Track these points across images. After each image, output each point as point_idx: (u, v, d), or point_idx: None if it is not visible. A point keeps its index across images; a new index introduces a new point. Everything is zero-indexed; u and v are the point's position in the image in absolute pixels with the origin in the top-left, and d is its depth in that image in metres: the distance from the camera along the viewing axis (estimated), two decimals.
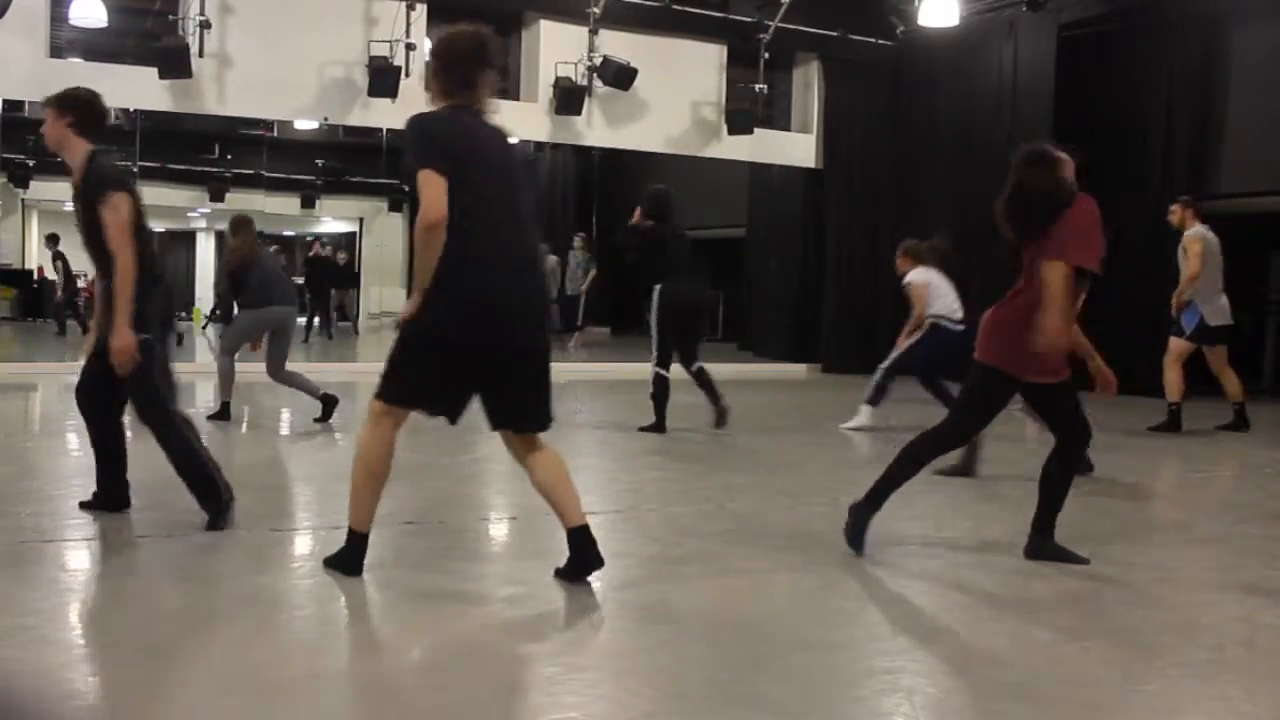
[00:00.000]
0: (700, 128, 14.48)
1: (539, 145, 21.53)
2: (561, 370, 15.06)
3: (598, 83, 13.54)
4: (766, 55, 14.38)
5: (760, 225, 17.43)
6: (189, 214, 27.03)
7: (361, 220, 25.00)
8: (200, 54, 11.76)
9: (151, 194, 24.02)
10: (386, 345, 4.10)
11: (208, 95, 12.13)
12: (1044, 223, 4.39)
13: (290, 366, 8.44)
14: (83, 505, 5.02)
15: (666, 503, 5.81)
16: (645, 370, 8.53)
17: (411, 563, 4.40)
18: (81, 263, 27.03)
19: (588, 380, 12.78)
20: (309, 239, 25.48)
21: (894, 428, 8.28)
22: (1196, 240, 9.06)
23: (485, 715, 2.97)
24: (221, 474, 4.81)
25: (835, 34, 14.67)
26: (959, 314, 8.19)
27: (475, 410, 4.12)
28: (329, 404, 8.17)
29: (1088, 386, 4.78)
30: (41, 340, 17.56)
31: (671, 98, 14.15)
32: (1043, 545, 4.68)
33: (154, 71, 11.61)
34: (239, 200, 21.38)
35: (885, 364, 8.51)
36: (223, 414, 8.22)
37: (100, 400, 4.90)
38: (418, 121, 3.96)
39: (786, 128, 15.44)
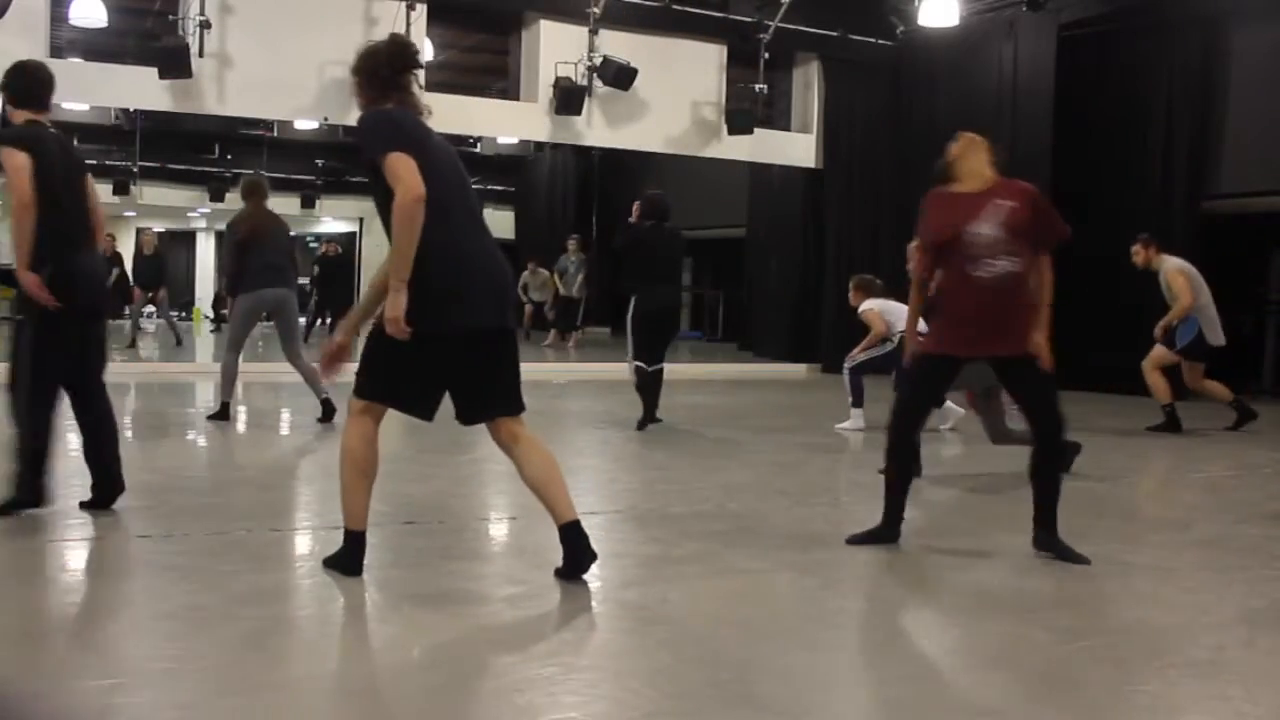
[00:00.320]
0: (700, 128, 14.48)
1: (539, 145, 21.59)
2: (562, 370, 15.10)
3: (598, 83, 13.54)
4: (766, 55, 14.38)
5: (760, 225, 17.44)
6: (189, 214, 27.05)
7: (361, 220, 25.01)
8: (200, 54, 11.75)
9: (151, 194, 24.15)
10: None
11: (208, 95, 12.13)
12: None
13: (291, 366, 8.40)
14: (83, 505, 5.02)
15: (666, 503, 5.81)
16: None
17: (411, 563, 4.40)
18: None
19: (588, 380, 12.78)
20: (309, 239, 25.50)
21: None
22: (1179, 273, 9.07)
23: (485, 715, 2.97)
24: (48, 481, 4.84)
25: (835, 34, 14.67)
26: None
27: None
28: (328, 409, 8.11)
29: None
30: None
31: (671, 98, 14.16)
32: (1047, 539, 4.71)
33: (154, 71, 11.61)
34: (239, 200, 21.41)
35: (848, 364, 8.81)
36: (222, 414, 8.19)
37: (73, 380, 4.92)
38: (372, 113, 3.98)
39: (786, 128, 15.45)
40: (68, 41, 12.70)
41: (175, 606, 3.70)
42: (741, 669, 3.29)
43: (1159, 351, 9.24)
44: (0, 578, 4.00)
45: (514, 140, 21.08)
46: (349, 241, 24.73)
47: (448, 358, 3.93)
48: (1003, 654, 3.52)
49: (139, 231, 18.39)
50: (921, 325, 5.05)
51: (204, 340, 19.27)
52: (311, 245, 24.23)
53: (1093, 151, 13.03)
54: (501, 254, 4.09)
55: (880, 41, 14.87)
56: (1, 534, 4.59)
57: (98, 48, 13.61)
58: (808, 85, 15.41)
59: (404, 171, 3.75)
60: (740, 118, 14.23)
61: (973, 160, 4.80)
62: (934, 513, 5.87)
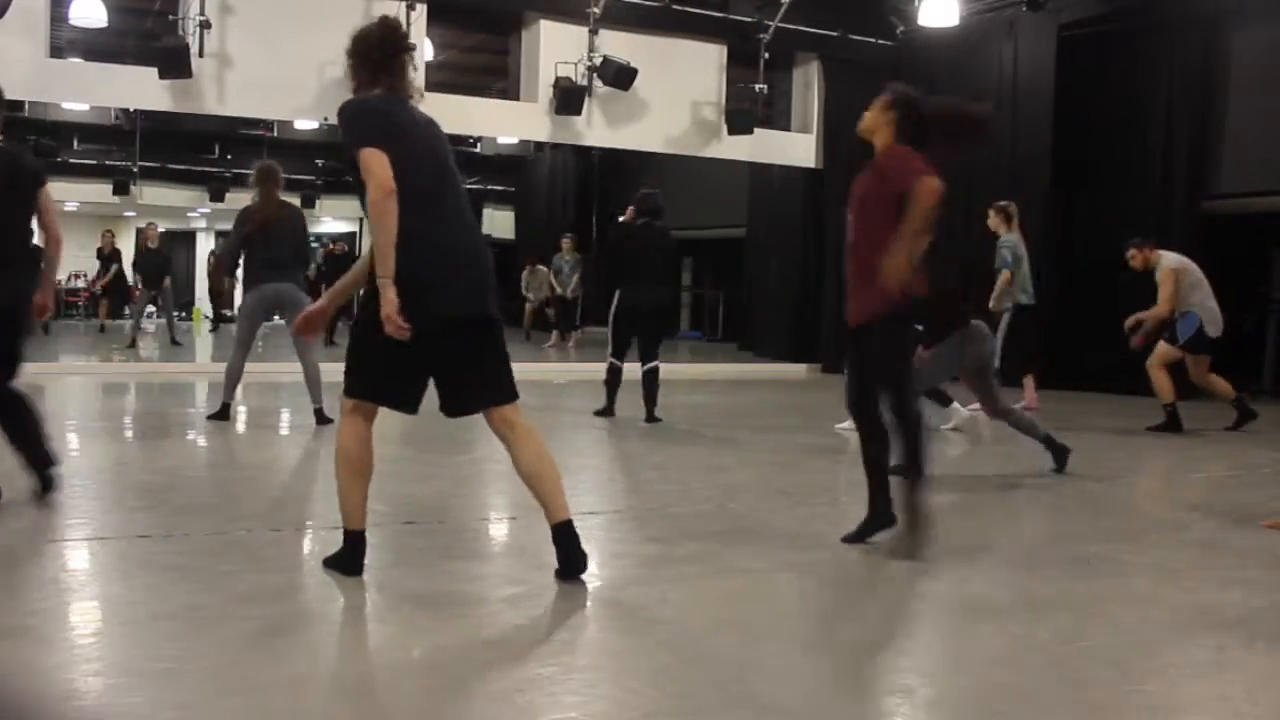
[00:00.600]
0: (700, 128, 14.48)
1: (539, 145, 21.59)
2: (562, 371, 15.10)
3: (598, 83, 13.55)
4: (766, 55, 14.38)
5: (760, 225, 17.44)
6: (189, 214, 27.07)
7: (361, 220, 25.00)
8: (200, 54, 11.76)
9: (151, 194, 24.15)
10: None
11: (208, 95, 12.13)
12: None
13: (291, 366, 8.36)
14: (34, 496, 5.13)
15: (666, 503, 5.81)
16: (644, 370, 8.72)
17: (411, 563, 4.40)
18: (80, 263, 27.07)
19: (589, 380, 12.78)
20: (310, 239, 25.52)
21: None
22: (1169, 276, 9.05)
23: (485, 715, 2.97)
24: None
25: (835, 34, 14.67)
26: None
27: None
28: (320, 419, 7.99)
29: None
30: (41, 340, 17.54)
31: (671, 98, 14.16)
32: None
33: (154, 71, 11.61)
34: (239, 200, 21.39)
35: None
36: (222, 414, 8.17)
37: None
38: (351, 104, 3.96)
39: (786, 128, 15.45)
40: (68, 41, 12.70)
41: (175, 606, 3.70)
42: (741, 669, 3.29)
43: (1163, 348, 9.23)
44: (0, 577, 4.00)
45: (514, 140, 21.09)
46: (350, 241, 24.75)
47: (428, 347, 3.90)
48: (1003, 654, 3.52)
49: (142, 228, 18.37)
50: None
51: (204, 340, 19.26)
52: (313, 246, 24.24)
53: (1093, 151, 13.04)
54: (484, 242, 4.07)
55: (880, 41, 14.87)
56: (2, 534, 4.59)
57: (98, 48, 13.61)
58: (808, 85, 15.41)
59: (375, 166, 3.76)
60: (740, 118, 14.23)
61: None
62: (934, 512, 5.87)
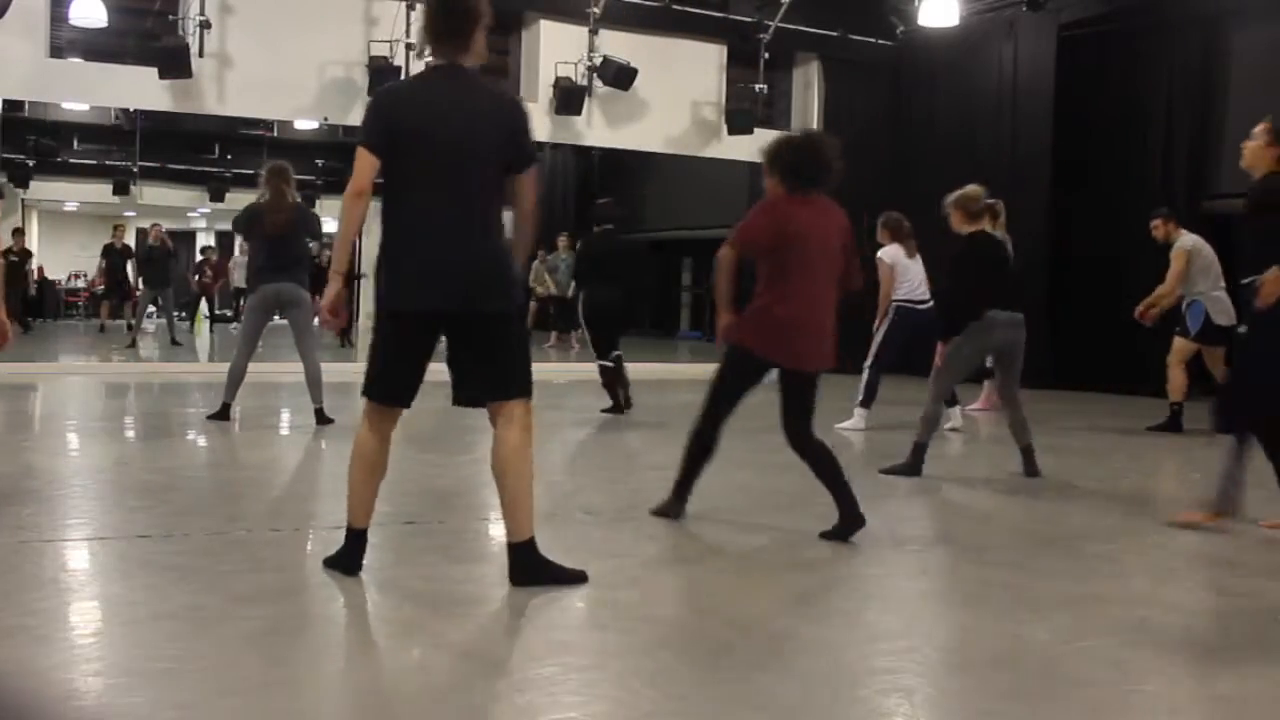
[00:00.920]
0: (700, 128, 14.48)
1: (539, 145, 21.57)
2: (563, 370, 15.09)
3: (598, 83, 13.55)
4: (766, 55, 14.39)
5: None
6: (189, 214, 27.06)
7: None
8: (200, 54, 11.76)
9: (151, 194, 24.14)
10: None
11: (208, 95, 12.13)
12: None
13: (291, 366, 8.35)
14: None
15: None
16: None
17: (411, 563, 4.40)
18: (80, 263, 27.01)
19: (590, 380, 12.76)
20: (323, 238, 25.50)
21: (890, 426, 8.29)
22: (1181, 255, 9.03)
23: (485, 715, 2.97)
24: None
25: (835, 34, 14.67)
26: (923, 294, 8.84)
27: (476, 412, 4.12)
28: (320, 418, 8.00)
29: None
30: (41, 340, 17.56)
31: (671, 98, 14.16)
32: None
33: (154, 71, 11.62)
34: (239, 200, 21.41)
35: (868, 361, 8.84)
36: (222, 414, 8.16)
37: None
38: (374, 97, 4.25)
39: (786, 128, 15.39)
40: (68, 41, 12.67)
41: (175, 606, 3.70)
42: (741, 669, 3.29)
43: (1180, 344, 9.21)
44: (0, 577, 4.00)
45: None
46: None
47: (419, 338, 3.94)
48: (1003, 654, 3.52)
49: (146, 228, 18.35)
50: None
51: (204, 340, 19.26)
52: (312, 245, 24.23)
53: (1093, 151, 13.03)
54: (477, 237, 3.89)
55: (880, 41, 14.87)
56: (2, 534, 4.59)
57: (98, 48, 13.59)
58: (808, 85, 15.40)
59: (356, 165, 3.90)
60: (740, 118, 14.23)
61: None
62: (934, 512, 5.87)
